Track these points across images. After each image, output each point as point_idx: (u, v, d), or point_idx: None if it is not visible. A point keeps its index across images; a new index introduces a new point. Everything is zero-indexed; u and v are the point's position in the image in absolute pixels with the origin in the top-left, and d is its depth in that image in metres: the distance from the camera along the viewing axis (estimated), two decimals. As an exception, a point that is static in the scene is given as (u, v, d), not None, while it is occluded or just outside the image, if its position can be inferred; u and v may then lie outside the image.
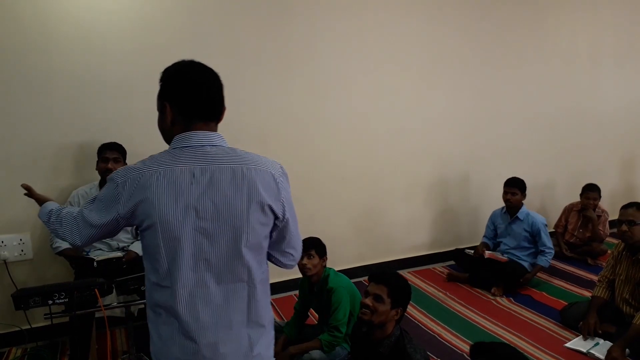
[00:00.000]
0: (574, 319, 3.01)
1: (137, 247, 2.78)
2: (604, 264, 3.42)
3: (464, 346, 2.84)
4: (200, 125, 1.26)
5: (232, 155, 1.25)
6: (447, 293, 3.63)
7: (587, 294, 3.49)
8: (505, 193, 3.82)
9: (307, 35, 3.50)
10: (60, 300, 1.97)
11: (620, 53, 4.99)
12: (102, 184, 2.84)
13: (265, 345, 1.32)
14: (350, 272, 3.51)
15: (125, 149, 2.86)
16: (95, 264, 2.64)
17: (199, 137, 1.25)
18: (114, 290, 2.16)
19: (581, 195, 4.34)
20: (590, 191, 4.28)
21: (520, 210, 3.79)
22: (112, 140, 2.85)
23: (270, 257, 1.38)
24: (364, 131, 3.81)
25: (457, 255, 4.05)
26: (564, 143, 4.84)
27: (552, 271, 3.99)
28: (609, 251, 3.32)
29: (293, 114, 3.54)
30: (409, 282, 2.16)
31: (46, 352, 2.82)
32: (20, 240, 2.86)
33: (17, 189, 1.55)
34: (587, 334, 2.84)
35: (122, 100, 3.01)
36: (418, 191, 4.15)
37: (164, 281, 1.21)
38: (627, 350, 2.58)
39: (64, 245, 2.65)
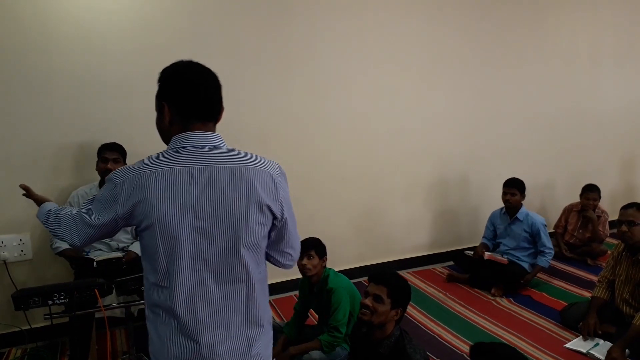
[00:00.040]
0: (574, 319, 3.01)
1: (137, 248, 2.78)
2: (603, 264, 3.42)
3: (464, 347, 2.84)
4: (198, 125, 1.26)
5: (231, 156, 1.25)
6: (447, 293, 3.63)
7: (587, 294, 3.49)
8: (504, 194, 3.82)
9: (307, 35, 3.50)
10: (60, 301, 1.97)
11: (620, 53, 4.99)
12: (102, 184, 2.84)
13: (264, 344, 1.32)
14: (350, 273, 3.51)
15: (125, 149, 2.86)
16: (95, 264, 2.64)
17: (198, 137, 1.25)
18: (114, 291, 2.16)
19: (581, 195, 4.34)
20: (590, 191, 4.28)
21: (520, 211, 3.79)
22: (112, 141, 2.85)
23: (268, 257, 1.38)
24: (364, 131, 3.81)
25: (456, 256, 4.05)
26: (564, 143, 4.84)
27: (552, 272, 3.99)
28: (609, 252, 3.32)
29: (293, 114, 3.54)
30: (409, 283, 2.16)
31: (46, 353, 2.82)
32: (20, 240, 2.86)
33: (17, 189, 1.55)
34: (587, 335, 2.84)
35: (122, 100, 3.01)
36: (418, 191, 4.15)
37: (163, 281, 1.21)
38: (627, 350, 2.58)
39: (64, 245, 2.65)
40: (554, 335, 2.98)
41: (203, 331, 1.22)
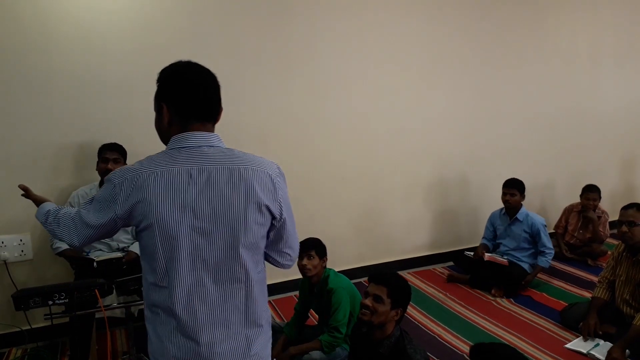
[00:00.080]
0: (574, 319, 3.01)
1: (137, 248, 2.78)
2: (604, 264, 3.42)
3: (464, 347, 2.84)
4: (197, 125, 1.26)
5: (230, 156, 1.25)
6: (447, 294, 3.63)
7: (587, 294, 3.49)
8: (504, 194, 3.81)
9: (307, 35, 3.50)
10: (61, 301, 1.97)
11: (620, 53, 4.99)
12: (102, 184, 2.83)
13: (263, 344, 1.33)
14: (350, 273, 3.51)
15: (125, 149, 2.86)
16: (95, 264, 2.64)
17: (196, 137, 1.25)
18: (114, 291, 2.16)
19: (581, 195, 4.34)
20: (590, 192, 4.27)
21: (520, 211, 3.78)
22: (112, 141, 2.85)
23: (267, 257, 1.39)
24: (364, 131, 3.81)
25: (456, 257, 4.04)
26: (564, 143, 4.84)
27: (552, 272, 3.99)
28: (609, 252, 3.32)
29: (293, 114, 3.53)
30: (409, 283, 2.16)
31: (46, 353, 2.82)
32: (21, 240, 2.86)
33: (17, 189, 1.55)
34: (588, 335, 2.84)
35: (122, 100, 3.01)
36: (418, 191, 4.15)
37: (162, 281, 1.22)
38: (627, 351, 2.58)
39: (64, 245, 2.65)
40: (554, 335, 2.98)
41: (202, 331, 1.22)
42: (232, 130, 3.14)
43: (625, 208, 2.85)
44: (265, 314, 1.34)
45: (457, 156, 4.25)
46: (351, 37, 3.64)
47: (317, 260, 2.56)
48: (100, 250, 2.82)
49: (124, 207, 1.19)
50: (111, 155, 2.77)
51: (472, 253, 3.87)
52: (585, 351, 2.73)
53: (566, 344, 2.85)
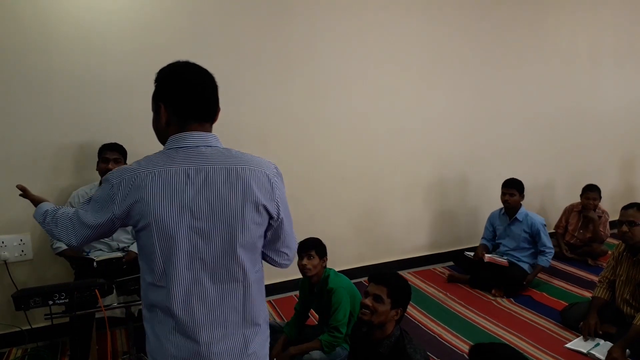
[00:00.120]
0: (575, 319, 3.01)
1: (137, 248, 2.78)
2: (604, 264, 3.42)
3: (464, 347, 2.84)
4: (195, 126, 1.26)
5: (227, 156, 1.26)
6: (447, 293, 3.63)
7: (588, 294, 3.49)
8: (503, 194, 3.81)
9: (307, 35, 3.50)
10: (61, 301, 1.97)
11: (620, 53, 4.99)
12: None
13: (260, 343, 1.33)
14: (350, 273, 3.51)
15: (126, 149, 2.86)
16: (95, 264, 2.64)
17: (194, 137, 1.25)
18: (114, 291, 2.16)
19: (581, 195, 4.34)
20: (590, 191, 4.27)
21: (519, 211, 3.78)
22: (113, 141, 2.85)
23: (265, 257, 1.39)
24: (364, 131, 3.81)
25: (456, 257, 4.04)
26: (564, 143, 4.84)
27: (553, 272, 3.99)
28: (610, 252, 3.31)
29: (293, 114, 3.53)
30: (409, 283, 2.16)
31: (46, 353, 2.82)
32: (21, 240, 2.86)
33: (17, 189, 1.55)
34: (588, 335, 2.84)
35: (122, 100, 3.00)
36: (418, 191, 4.15)
37: (160, 281, 1.22)
38: (627, 350, 2.58)
39: (64, 245, 2.65)
40: (554, 335, 2.98)
41: (200, 330, 1.22)
42: (232, 130, 3.15)
43: (625, 208, 2.85)
44: (263, 313, 1.35)
45: (457, 156, 4.25)
46: (351, 37, 3.64)
47: (317, 260, 2.56)
48: (101, 250, 2.82)
49: (122, 207, 1.20)
50: (111, 155, 2.77)
51: (472, 253, 3.87)
52: (585, 351, 2.73)
53: (566, 343, 2.85)
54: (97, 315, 2.43)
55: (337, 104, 3.67)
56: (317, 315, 2.90)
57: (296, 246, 1.47)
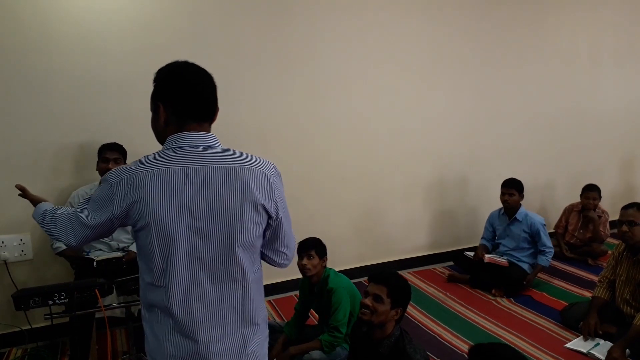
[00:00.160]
0: (575, 319, 3.01)
1: (137, 248, 2.78)
2: (604, 264, 3.42)
3: (464, 347, 2.84)
4: (193, 125, 1.26)
5: (226, 155, 1.26)
6: (447, 293, 3.63)
7: (588, 294, 3.49)
8: (502, 194, 3.81)
9: (307, 35, 3.50)
10: (61, 301, 1.97)
11: (620, 53, 4.99)
12: (102, 184, 2.84)
13: (259, 343, 1.33)
14: (350, 273, 3.51)
15: (126, 149, 2.86)
16: (95, 264, 2.64)
17: (193, 137, 1.25)
18: (114, 291, 2.16)
19: (581, 195, 4.34)
20: (590, 191, 4.27)
21: (519, 211, 3.78)
22: (113, 141, 2.85)
23: (264, 257, 1.39)
24: (364, 131, 3.81)
25: (456, 257, 4.04)
26: (564, 143, 4.84)
27: (553, 272, 3.99)
28: (610, 252, 3.31)
29: (293, 114, 3.53)
30: (409, 282, 2.16)
31: (46, 353, 2.82)
32: (21, 240, 2.86)
33: (17, 190, 1.55)
34: (588, 335, 2.84)
35: (122, 100, 3.01)
36: (418, 191, 4.15)
37: (159, 281, 1.22)
38: (627, 350, 2.58)
39: (64, 245, 2.65)
40: (554, 335, 2.98)
41: (199, 330, 1.22)
42: (232, 130, 3.16)
43: (625, 208, 2.85)
44: (261, 313, 1.35)
45: (457, 156, 4.25)
46: (351, 37, 3.64)
47: (317, 260, 2.56)
48: (100, 250, 2.82)
49: (121, 207, 1.20)
50: (111, 155, 2.77)
51: (472, 254, 3.86)
52: (585, 351, 2.73)
53: (566, 343, 2.85)
54: (97, 315, 2.44)
55: (337, 104, 3.67)
56: (317, 315, 2.90)
57: (295, 246, 1.47)
